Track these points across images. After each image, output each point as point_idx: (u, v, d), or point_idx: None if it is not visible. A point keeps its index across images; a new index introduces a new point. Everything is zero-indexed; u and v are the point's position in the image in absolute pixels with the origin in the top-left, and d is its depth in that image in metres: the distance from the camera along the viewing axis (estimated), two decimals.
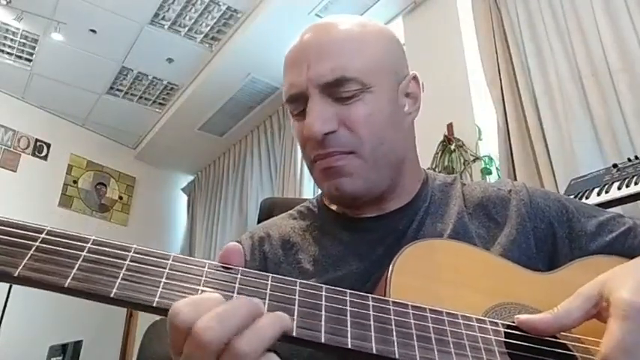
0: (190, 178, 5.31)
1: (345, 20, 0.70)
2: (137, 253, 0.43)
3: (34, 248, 0.40)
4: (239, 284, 0.43)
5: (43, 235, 0.41)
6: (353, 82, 0.64)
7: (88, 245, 0.42)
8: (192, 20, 3.42)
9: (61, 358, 3.75)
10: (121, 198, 4.87)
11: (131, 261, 0.42)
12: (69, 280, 0.39)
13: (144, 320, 3.87)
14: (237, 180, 4.40)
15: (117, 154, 4.93)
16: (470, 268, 0.58)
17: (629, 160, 1.47)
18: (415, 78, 0.73)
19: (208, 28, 3.48)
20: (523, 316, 0.50)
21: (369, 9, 3.00)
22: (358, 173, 0.65)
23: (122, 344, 4.01)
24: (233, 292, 0.42)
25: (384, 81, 0.67)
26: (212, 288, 0.42)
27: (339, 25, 0.69)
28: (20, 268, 0.39)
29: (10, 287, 3.55)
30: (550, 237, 0.69)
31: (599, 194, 1.42)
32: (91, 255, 0.41)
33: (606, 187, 1.42)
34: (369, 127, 0.64)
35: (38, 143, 4.42)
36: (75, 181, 4.58)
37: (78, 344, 3.80)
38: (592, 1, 2.11)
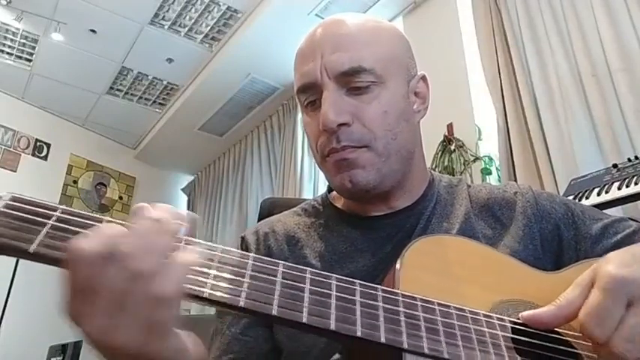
0: (190, 178, 5.32)
1: (357, 16, 0.71)
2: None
3: (49, 225, 0.40)
4: (250, 270, 0.43)
5: (57, 213, 0.41)
6: (368, 74, 0.64)
7: (103, 225, 0.42)
8: (192, 20, 3.42)
9: (61, 358, 3.75)
10: (121, 198, 4.87)
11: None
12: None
13: None
14: (237, 180, 4.40)
15: (117, 154, 4.94)
16: (477, 264, 0.58)
17: (629, 160, 1.47)
18: (424, 78, 0.74)
19: (208, 28, 3.48)
20: (527, 313, 0.51)
21: (369, 9, 3.00)
22: (371, 165, 0.65)
23: None
24: (244, 278, 0.43)
25: (397, 75, 0.68)
26: (224, 272, 0.43)
27: (352, 19, 0.69)
28: (35, 244, 0.39)
29: (10, 287, 3.55)
30: (556, 239, 0.69)
31: (599, 194, 1.42)
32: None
33: (606, 187, 1.42)
34: (383, 123, 0.65)
35: (38, 143, 4.42)
36: (75, 181, 4.58)
37: (78, 344, 3.79)
38: (592, 1, 2.11)
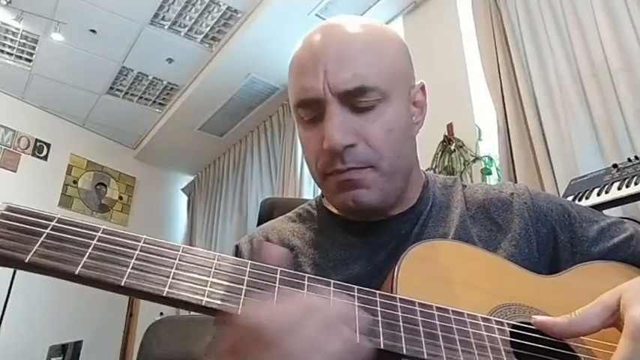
0: (190, 178, 5.31)
1: (358, 22, 0.67)
2: (147, 243, 0.43)
3: (44, 235, 0.40)
4: (248, 277, 0.44)
5: (53, 223, 0.41)
6: (373, 92, 0.62)
7: (99, 234, 0.42)
8: (192, 20, 3.42)
9: (61, 358, 3.75)
10: (121, 198, 4.87)
11: (141, 251, 0.42)
12: (79, 268, 0.39)
13: (144, 320, 3.87)
14: (237, 180, 4.40)
15: (117, 154, 4.93)
16: (474, 268, 0.58)
17: (629, 160, 1.47)
18: (423, 88, 0.72)
19: (208, 28, 3.48)
20: (539, 318, 0.50)
21: (369, 9, 3.00)
22: (375, 185, 0.63)
23: (122, 344, 4.01)
24: (242, 285, 0.43)
25: (399, 89, 0.66)
26: (221, 279, 0.43)
27: (354, 27, 0.66)
28: (31, 254, 0.39)
29: (10, 287, 3.55)
30: (551, 241, 0.69)
31: (599, 194, 1.42)
32: (101, 243, 0.41)
33: (606, 187, 1.42)
34: (388, 142, 0.63)
35: (38, 143, 4.42)
36: (75, 181, 4.58)
37: (78, 344, 3.80)
38: (592, 1, 2.11)
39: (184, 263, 0.43)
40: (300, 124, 0.68)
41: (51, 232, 0.40)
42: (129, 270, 0.40)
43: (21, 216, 0.40)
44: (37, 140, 4.41)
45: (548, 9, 2.31)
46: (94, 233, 0.42)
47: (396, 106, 0.64)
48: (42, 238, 0.40)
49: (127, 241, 0.42)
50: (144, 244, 0.43)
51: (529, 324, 0.51)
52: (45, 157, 4.44)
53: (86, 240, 0.41)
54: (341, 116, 0.61)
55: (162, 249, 0.43)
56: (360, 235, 0.69)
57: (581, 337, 0.51)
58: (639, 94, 1.90)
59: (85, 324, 4.01)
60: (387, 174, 0.64)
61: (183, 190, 5.32)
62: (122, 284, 0.40)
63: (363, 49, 0.64)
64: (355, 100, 0.62)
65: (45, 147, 4.46)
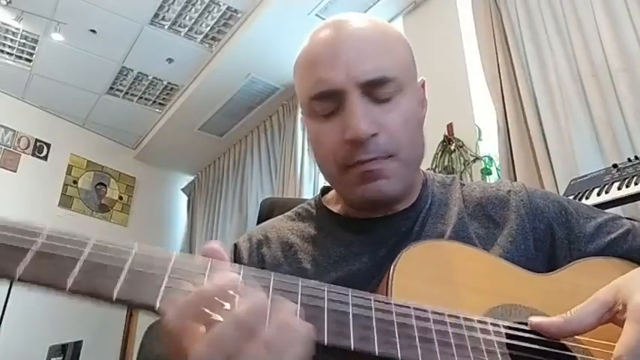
0: (190, 178, 5.31)
1: (364, 19, 0.69)
2: (139, 252, 0.42)
3: (34, 248, 0.39)
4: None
5: (44, 233, 0.40)
6: (392, 83, 0.63)
7: (90, 244, 0.41)
8: (192, 20, 3.42)
9: (61, 358, 3.75)
10: (121, 198, 4.87)
11: (133, 262, 0.41)
12: (70, 283, 0.38)
13: (144, 320, 3.87)
14: (237, 180, 4.40)
15: (117, 154, 4.93)
16: (470, 269, 0.58)
17: (629, 160, 1.47)
18: (423, 84, 0.74)
19: (208, 28, 3.48)
20: (535, 319, 0.50)
21: (369, 9, 3.00)
22: (395, 176, 0.64)
23: (122, 344, 4.00)
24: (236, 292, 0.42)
25: (412, 83, 0.68)
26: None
27: (364, 23, 0.67)
28: (20, 270, 0.38)
29: (10, 287, 3.55)
30: (549, 238, 0.69)
31: (599, 194, 1.42)
32: (91, 256, 0.40)
33: (606, 187, 1.42)
34: (406, 132, 0.64)
35: (38, 143, 4.42)
36: (75, 181, 4.58)
37: (78, 344, 3.80)
38: (592, 1, 2.11)
39: (177, 272, 0.42)
40: (313, 119, 0.68)
41: (42, 242, 0.39)
42: (120, 284, 0.39)
43: (8, 225, 0.39)
44: (37, 140, 4.41)
45: (548, 9, 2.31)
46: (84, 244, 0.41)
47: (410, 98, 0.67)
48: (31, 252, 0.39)
49: (118, 250, 0.41)
50: (135, 256, 0.41)
51: (526, 324, 0.51)
52: (45, 157, 4.44)
53: (76, 252, 0.40)
54: (363, 106, 0.62)
55: (155, 259, 0.42)
56: (360, 233, 0.70)
57: (579, 337, 0.51)
58: (639, 94, 1.90)
59: (85, 324, 4.01)
60: (405, 164, 0.65)
61: (183, 190, 5.31)
62: (114, 298, 0.39)
63: (379, 42, 0.65)
64: (375, 90, 0.63)
65: (45, 147, 4.46)
